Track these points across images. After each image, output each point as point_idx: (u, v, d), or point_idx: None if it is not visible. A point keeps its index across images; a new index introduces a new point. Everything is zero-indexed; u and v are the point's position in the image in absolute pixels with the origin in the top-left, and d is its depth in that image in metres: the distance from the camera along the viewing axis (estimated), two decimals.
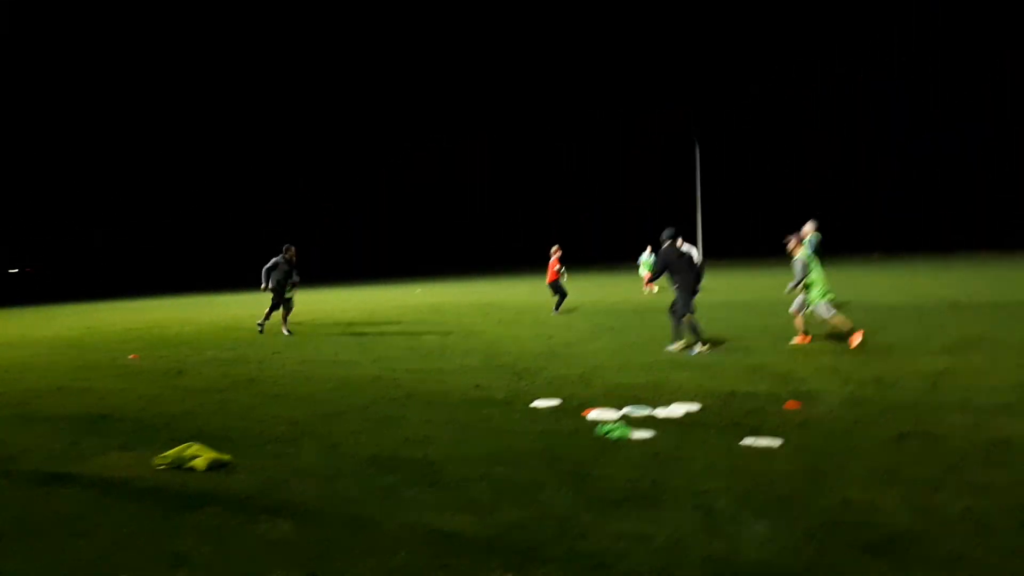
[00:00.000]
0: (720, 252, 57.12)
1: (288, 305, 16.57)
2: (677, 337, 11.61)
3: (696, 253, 17.95)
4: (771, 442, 6.07)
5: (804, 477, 5.18)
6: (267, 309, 16.50)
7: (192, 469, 5.94)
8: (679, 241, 11.81)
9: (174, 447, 6.27)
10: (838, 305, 11.94)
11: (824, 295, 11.28)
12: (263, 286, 16.02)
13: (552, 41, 72.19)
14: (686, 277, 11.50)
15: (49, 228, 60.94)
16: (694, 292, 11.56)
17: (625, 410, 7.42)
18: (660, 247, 11.80)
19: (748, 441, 6.13)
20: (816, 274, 11.33)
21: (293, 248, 16.20)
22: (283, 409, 8.26)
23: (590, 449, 6.13)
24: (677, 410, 7.39)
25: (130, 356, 13.82)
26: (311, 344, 14.53)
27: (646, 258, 26.08)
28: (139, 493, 5.51)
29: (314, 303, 28.08)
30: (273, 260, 15.99)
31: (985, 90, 58.03)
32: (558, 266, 18.44)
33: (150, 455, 6.28)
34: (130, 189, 63.25)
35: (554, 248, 18.56)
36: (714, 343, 11.81)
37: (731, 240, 61.39)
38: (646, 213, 62.30)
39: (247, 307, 27.70)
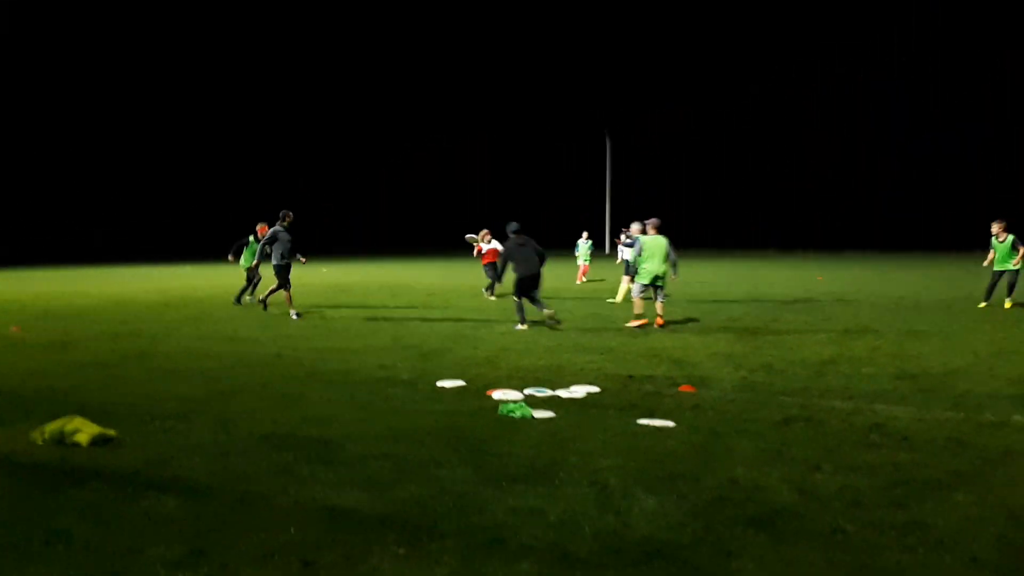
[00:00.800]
0: (696, 244, 57.35)
1: (254, 277, 16.54)
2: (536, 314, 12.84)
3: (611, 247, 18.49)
4: (665, 423, 6.26)
5: (694, 456, 5.37)
6: (273, 286, 14.71)
7: (74, 444, 5.65)
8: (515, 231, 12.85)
9: (55, 421, 5.94)
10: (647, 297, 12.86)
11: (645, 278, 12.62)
12: (231, 258, 16.38)
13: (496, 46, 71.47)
14: (524, 265, 12.51)
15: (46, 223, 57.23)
16: (522, 278, 12.57)
17: (528, 391, 7.50)
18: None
19: (643, 422, 6.30)
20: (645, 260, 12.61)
21: (291, 213, 14.56)
22: (175, 385, 7.95)
23: (492, 428, 6.17)
24: (578, 391, 7.53)
25: (11, 328, 13.00)
26: (210, 321, 14.03)
27: (583, 245, 25.13)
28: (15, 469, 5.21)
29: (229, 279, 27.11)
30: (272, 231, 14.28)
31: (984, 90, 58.54)
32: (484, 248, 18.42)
33: (28, 429, 5.93)
34: (129, 189, 59.91)
35: (483, 232, 18.56)
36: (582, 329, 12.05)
37: (722, 233, 62.18)
38: (580, 207, 62.51)
39: (158, 280, 26.51)
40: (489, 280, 18.53)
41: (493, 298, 18.06)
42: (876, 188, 61.51)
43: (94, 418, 6.09)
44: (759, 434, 5.96)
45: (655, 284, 12.55)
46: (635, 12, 69.41)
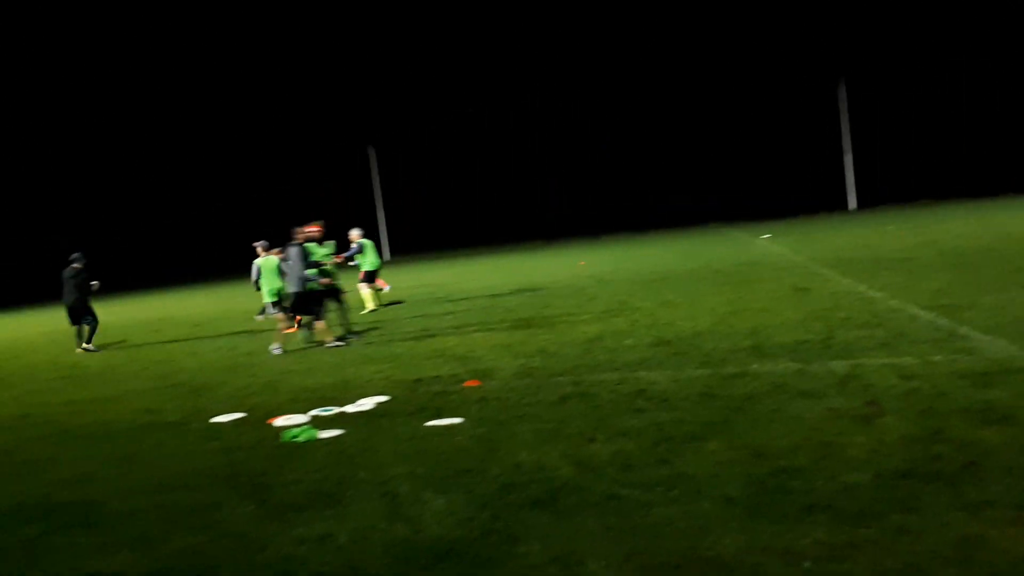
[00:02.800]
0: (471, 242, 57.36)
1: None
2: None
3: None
4: (453, 421, 6.36)
5: (481, 449, 5.52)
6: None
7: None
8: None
9: None
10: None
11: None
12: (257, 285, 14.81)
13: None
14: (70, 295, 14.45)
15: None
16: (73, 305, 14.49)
17: (313, 412, 7.28)
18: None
19: (432, 423, 6.37)
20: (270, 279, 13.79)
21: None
22: None
23: (274, 458, 5.92)
24: (366, 404, 7.43)
25: None
26: None
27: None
28: None
29: None
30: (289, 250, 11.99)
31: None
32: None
33: None
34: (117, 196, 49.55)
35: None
36: (354, 335, 12.03)
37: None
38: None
39: None
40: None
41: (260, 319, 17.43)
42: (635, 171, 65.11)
43: None
44: (538, 416, 6.25)
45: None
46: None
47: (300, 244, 11.81)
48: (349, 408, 7.31)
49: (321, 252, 12.23)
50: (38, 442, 7.36)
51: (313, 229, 12.21)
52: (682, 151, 62.28)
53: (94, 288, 14.94)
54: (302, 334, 12.73)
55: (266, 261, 14.20)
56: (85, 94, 59.00)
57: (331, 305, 12.45)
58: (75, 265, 14.83)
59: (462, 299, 17.32)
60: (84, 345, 14.85)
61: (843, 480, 4.24)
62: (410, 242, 61.11)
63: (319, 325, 12.00)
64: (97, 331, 15.10)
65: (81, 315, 14.77)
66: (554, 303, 14.54)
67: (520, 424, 6.07)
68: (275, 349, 11.75)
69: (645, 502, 4.22)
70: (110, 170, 61.01)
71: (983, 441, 4.60)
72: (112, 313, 27.06)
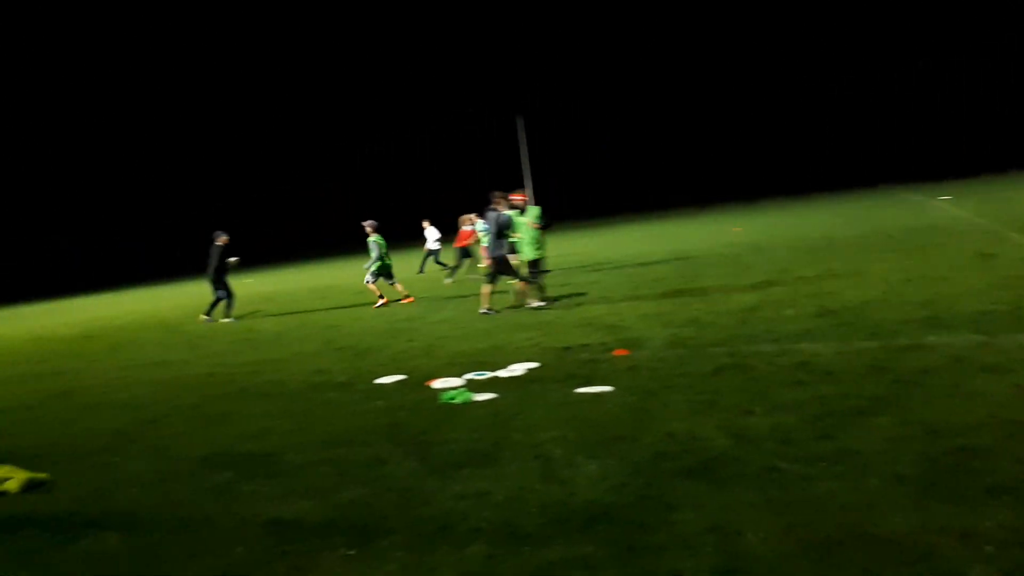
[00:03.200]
0: (619, 210, 58.00)
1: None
2: None
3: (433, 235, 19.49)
4: (603, 389, 6.37)
5: (632, 417, 5.49)
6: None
7: (3, 493, 5.43)
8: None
9: None
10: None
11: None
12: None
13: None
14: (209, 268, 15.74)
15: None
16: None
17: (468, 376, 7.52)
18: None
19: (582, 390, 6.41)
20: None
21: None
22: (103, 419, 7.70)
23: (433, 418, 6.18)
24: (517, 369, 7.58)
25: None
26: (133, 348, 13.59)
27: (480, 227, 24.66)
28: None
29: (139, 301, 26.22)
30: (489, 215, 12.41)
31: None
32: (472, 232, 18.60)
33: None
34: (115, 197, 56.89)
35: (470, 216, 18.98)
36: (550, 301, 12.15)
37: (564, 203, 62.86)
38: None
39: (69, 314, 25.43)
40: (453, 264, 19.32)
41: (449, 282, 18.70)
42: (779, 131, 61.97)
43: (23, 464, 5.86)
44: (691, 387, 6.13)
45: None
46: None
47: (499, 210, 12.03)
48: (502, 373, 7.49)
49: (523, 219, 12.20)
50: (222, 399, 8.07)
51: (518, 197, 12.37)
52: (847, 106, 58.32)
53: (232, 264, 16.05)
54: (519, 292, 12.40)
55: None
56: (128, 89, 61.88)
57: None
58: (216, 242, 15.97)
59: (611, 268, 17.22)
60: (202, 316, 16.15)
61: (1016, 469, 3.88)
62: (557, 211, 61.32)
63: (520, 286, 12.22)
64: (232, 305, 16.21)
65: (215, 288, 15.98)
66: (707, 272, 14.15)
67: (672, 394, 5.98)
68: (484, 311, 11.95)
69: (806, 476, 4.06)
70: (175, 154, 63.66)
71: None
72: (282, 281, 29.10)
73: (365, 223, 15.77)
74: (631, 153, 65.85)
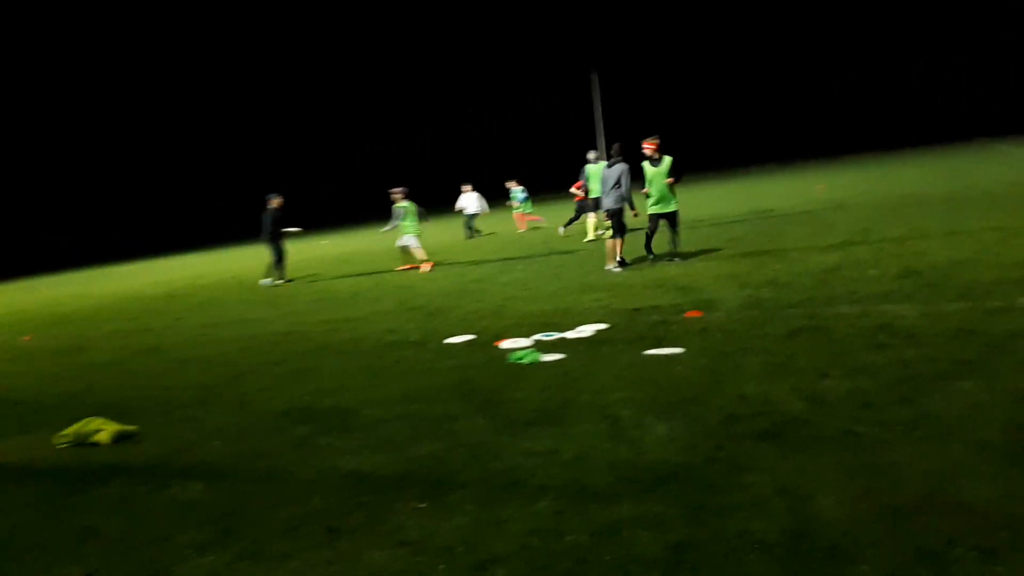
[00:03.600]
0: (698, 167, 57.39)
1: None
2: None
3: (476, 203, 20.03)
4: (673, 351, 6.30)
5: (703, 379, 5.42)
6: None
7: (96, 444, 5.76)
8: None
9: (75, 424, 6.05)
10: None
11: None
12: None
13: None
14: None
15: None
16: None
17: (536, 337, 7.55)
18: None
19: (652, 352, 6.35)
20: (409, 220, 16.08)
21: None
22: (189, 374, 8.05)
23: (502, 377, 6.23)
24: (586, 331, 7.56)
25: (24, 337, 13.14)
26: (217, 307, 14.13)
27: (517, 194, 23.64)
28: (41, 474, 5.32)
29: (219, 262, 27.23)
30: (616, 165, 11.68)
31: None
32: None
33: (49, 435, 6.04)
34: (102, 190, 59.39)
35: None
36: (626, 264, 12.02)
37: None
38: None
39: (154, 274, 26.62)
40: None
41: (562, 231, 19.70)
42: (869, 89, 59.57)
43: (113, 416, 6.20)
44: (766, 349, 6.00)
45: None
46: None
47: (622, 161, 11.47)
48: (569, 334, 7.48)
49: (653, 171, 11.48)
50: (301, 355, 8.33)
51: (648, 145, 11.47)
52: (940, 58, 55.31)
53: (292, 232, 16.95)
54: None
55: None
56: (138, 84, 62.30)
57: (663, 226, 11.84)
58: (270, 205, 16.55)
59: (686, 227, 16.90)
60: (263, 280, 16.71)
61: None
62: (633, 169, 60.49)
63: (612, 243, 11.80)
64: (280, 268, 16.72)
65: (272, 249, 16.58)
66: (787, 230, 13.75)
67: (746, 356, 5.87)
68: (611, 268, 11.67)
69: (884, 441, 3.94)
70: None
71: None
72: (354, 243, 29.65)
73: (394, 190, 16.38)
74: (710, 110, 64.12)
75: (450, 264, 16.15)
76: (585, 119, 58.37)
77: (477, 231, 23.14)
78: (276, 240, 16.60)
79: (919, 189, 19.20)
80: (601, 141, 57.09)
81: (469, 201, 22.95)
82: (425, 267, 15.61)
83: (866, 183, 24.64)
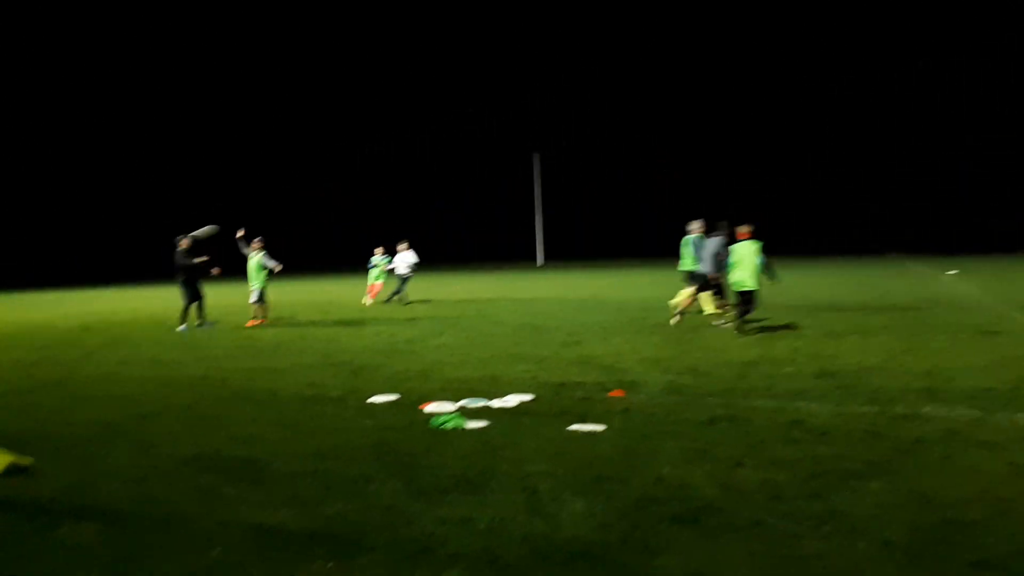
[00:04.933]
0: (558, 254, 59.16)
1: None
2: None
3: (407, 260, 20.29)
4: (595, 428, 6.35)
5: (623, 459, 5.47)
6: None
7: None
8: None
9: None
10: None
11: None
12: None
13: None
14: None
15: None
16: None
17: (461, 402, 7.50)
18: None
19: (574, 428, 6.38)
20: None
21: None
22: (94, 411, 7.67)
23: (423, 441, 6.15)
24: (511, 401, 7.56)
25: None
26: (131, 344, 13.58)
27: (378, 260, 22.11)
28: None
29: (143, 298, 26.20)
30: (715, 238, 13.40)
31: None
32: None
33: None
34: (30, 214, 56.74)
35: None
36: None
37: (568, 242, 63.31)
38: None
39: (75, 305, 25.44)
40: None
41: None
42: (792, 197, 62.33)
43: (8, 447, 5.83)
44: (685, 434, 6.10)
45: None
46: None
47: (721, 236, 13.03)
48: (495, 403, 7.47)
49: (746, 250, 12.50)
50: (214, 401, 8.05)
51: (744, 231, 12.71)
52: (856, 173, 58.72)
53: (209, 270, 15.94)
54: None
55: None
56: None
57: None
58: (179, 247, 15.44)
59: (614, 309, 17.22)
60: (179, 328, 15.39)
61: (1022, 542, 3.85)
62: (567, 249, 61.73)
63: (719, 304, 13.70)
64: (197, 312, 15.63)
65: (184, 292, 15.51)
66: (707, 321, 14.14)
67: (665, 440, 5.96)
68: (721, 324, 13.35)
69: (794, 534, 4.03)
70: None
71: None
72: (283, 292, 29.12)
73: (250, 241, 16.66)
74: (644, 197, 66.41)
75: (383, 322, 15.98)
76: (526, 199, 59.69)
77: (402, 298, 22.46)
78: (189, 283, 15.67)
79: (833, 295, 20.11)
80: (539, 221, 58.31)
81: (403, 260, 22.71)
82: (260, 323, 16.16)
83: (784, 285, 25.66)
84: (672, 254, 16.16)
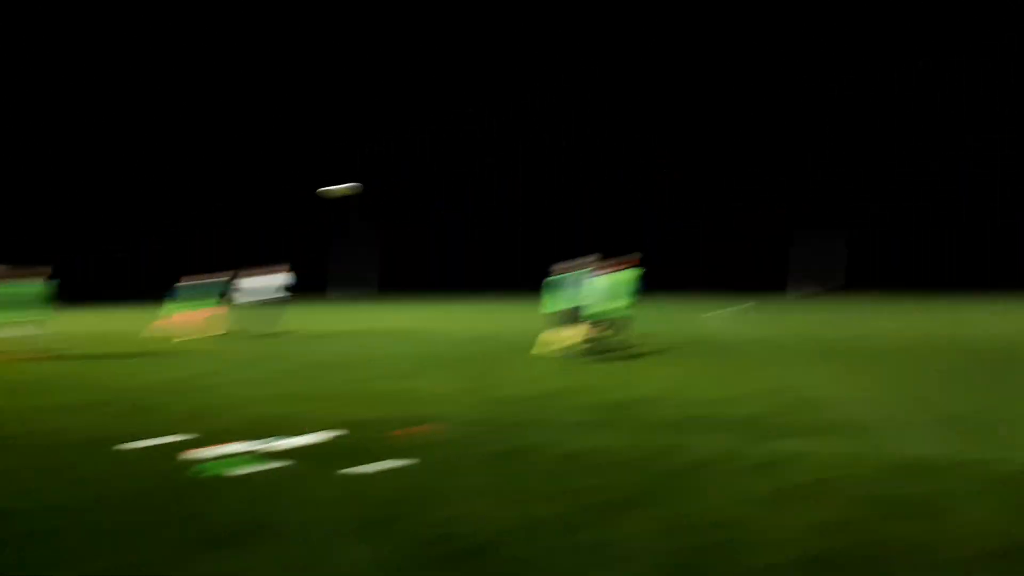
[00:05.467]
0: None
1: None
2: None
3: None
4: (389, 465, 6.31)
5: (407, 498, 5.47)
6: None
7: None
8: None
9: None
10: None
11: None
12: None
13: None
14: None
15: None
16: None
17: (243, 445, 7.15)
18: None
19: (365, 468, 6.29)
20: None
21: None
22: None
23: (197, 488, 5.79)
24: (296, 442, 7.31)
25: None
26: None
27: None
28: None
29: None
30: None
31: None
32: None
33: None
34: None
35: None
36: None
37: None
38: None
39: None
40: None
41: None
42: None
43: None
44: (477, 470, 6.20)
45: None
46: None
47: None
48: (282, 443, 7.19)
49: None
50: None
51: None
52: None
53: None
54: None
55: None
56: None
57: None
58: None
59: (423, 343, 17.27)
60: None
61: (772, 559, 4.32)
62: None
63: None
64: None
65: None
66: (503, 356, 14.59)
67: (458, 477, 6.02)
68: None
69: (561, 568, 4.25)
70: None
71: (891, 533, 4.74)
72: (59, 323, 26.31)
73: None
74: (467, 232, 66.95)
75: (162, 357, 14.91)
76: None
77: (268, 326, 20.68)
78: None
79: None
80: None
81: (262, 284, 21.25)
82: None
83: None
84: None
